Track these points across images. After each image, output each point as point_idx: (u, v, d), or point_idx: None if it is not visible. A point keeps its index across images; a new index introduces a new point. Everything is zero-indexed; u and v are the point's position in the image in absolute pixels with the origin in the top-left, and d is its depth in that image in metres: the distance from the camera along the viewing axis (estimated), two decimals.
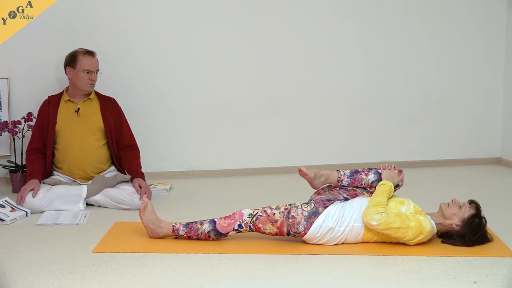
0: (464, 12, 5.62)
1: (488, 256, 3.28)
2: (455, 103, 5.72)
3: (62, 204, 4.18)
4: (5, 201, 4.09)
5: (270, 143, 5.44)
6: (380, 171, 3.59)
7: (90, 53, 4.38)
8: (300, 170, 3.66)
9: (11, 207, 4.06)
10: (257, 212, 3.44)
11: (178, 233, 3.52)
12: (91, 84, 4.37)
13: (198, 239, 3.51)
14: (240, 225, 3.44)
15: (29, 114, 4.68)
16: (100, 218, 4.02)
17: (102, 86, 4.59)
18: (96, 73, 4.39)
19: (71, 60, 4.36)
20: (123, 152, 4.50)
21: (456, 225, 3.42)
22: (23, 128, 4.74)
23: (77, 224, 3.90)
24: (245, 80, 5.33)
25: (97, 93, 4.51)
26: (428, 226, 3.37)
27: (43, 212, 4.12)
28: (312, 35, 5.38)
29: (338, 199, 3.56)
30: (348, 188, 3.62)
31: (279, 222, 3.40)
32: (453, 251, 3.34)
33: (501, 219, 3.91)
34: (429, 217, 3.43)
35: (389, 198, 3.47)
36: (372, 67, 5.55)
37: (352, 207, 3.45)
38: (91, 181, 4.35)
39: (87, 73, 4.34)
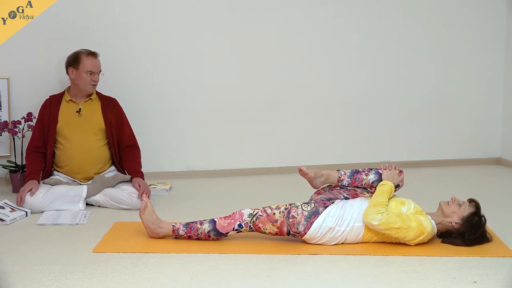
0: (464, 12, 5.61)
1: (488, 256, 3.28)
2: (455, 103, 5.72)
3: (62, 204, 4.18)
4: (5, 203, 4.09)
5: (270, 143, 5.44)
6: (380, 171, 3.59)
7: (93, 54, 4.38)
8: (300, 170, 3.65)
9: (11, 208, 4.06)
10: (257, 212, 3.44)
11: (178, 233, 3.52)
12: (93, 85, 4.37)
13: (198, 239, 3.51)
14: (240, 225, 3.44)
15: (29, 114, 4.68)
16: (100, 218, 4.02)
17: (103, 86, 4.58)
18: (98, 74, 4.39)
19: (74, 61, 4.35)
20: (124, 152, 4.50)
21: (455, 223, 3.42)
22: (23, 128, 4.74)
23: (77, 224, 3.90)
24: (245, 80, 5.33)
25: (98, 93, 4.51)
26: (429, 226, 3.37)
27: (43, 212, 4.12)
28: (311, 36, 5.37)
29: (338, 199, 3.55)
30: (349, 188, 3.62)
31: (279, 222, 3.40)
32: (453, 251, 3.34)
33: (501, 219, 3.90)
34: (430, 217, 3.43)
35: (389, 199, 3.47)
36: (372, 67, 5.54)
37: (352, 207, 3.44)
38: (91, 181, 4.35)
39: (90, 74, 4.34)
